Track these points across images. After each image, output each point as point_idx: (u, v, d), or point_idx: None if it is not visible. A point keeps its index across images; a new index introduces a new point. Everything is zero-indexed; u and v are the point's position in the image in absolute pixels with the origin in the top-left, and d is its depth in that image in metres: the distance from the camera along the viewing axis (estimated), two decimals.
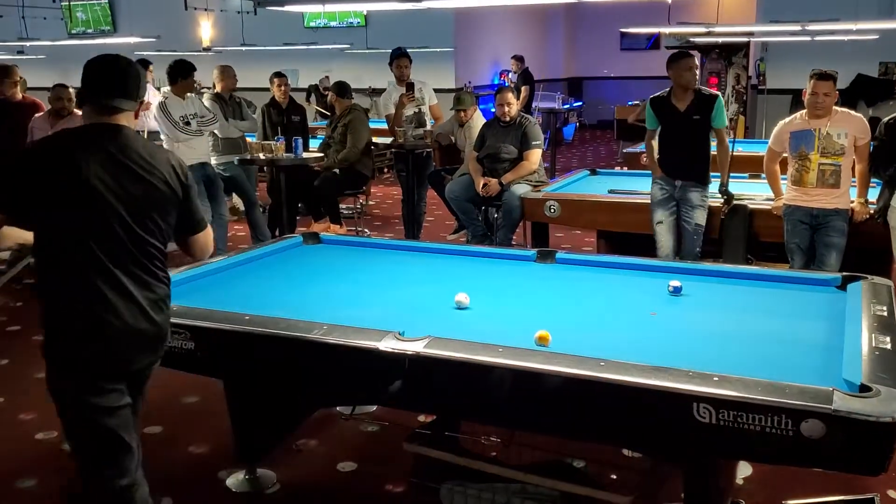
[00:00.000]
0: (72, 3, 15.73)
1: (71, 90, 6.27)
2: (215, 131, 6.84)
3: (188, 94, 6.53)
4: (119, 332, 2.36)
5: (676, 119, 5.18)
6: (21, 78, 6.82)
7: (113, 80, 2.41)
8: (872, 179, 4.85)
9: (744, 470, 3.33)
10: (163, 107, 6.37)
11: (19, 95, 6.64)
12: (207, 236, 2.69)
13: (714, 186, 5.24)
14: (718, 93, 5.37)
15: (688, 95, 5.13)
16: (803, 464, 2.31)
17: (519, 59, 13.64)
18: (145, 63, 9.30)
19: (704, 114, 5.10)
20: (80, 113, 6.30)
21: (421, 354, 2.54)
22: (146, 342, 2.45)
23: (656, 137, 5.37)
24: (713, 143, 5.25)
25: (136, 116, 2.57)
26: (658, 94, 5.35)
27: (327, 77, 12.65)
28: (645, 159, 5.93)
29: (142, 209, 2.39)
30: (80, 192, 2.30)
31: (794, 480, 3.27)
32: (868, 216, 4.77)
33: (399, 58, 7.29)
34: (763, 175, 5.26)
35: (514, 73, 13.63)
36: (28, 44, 10.82)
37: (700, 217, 5.16)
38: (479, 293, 3.30)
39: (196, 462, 3.65)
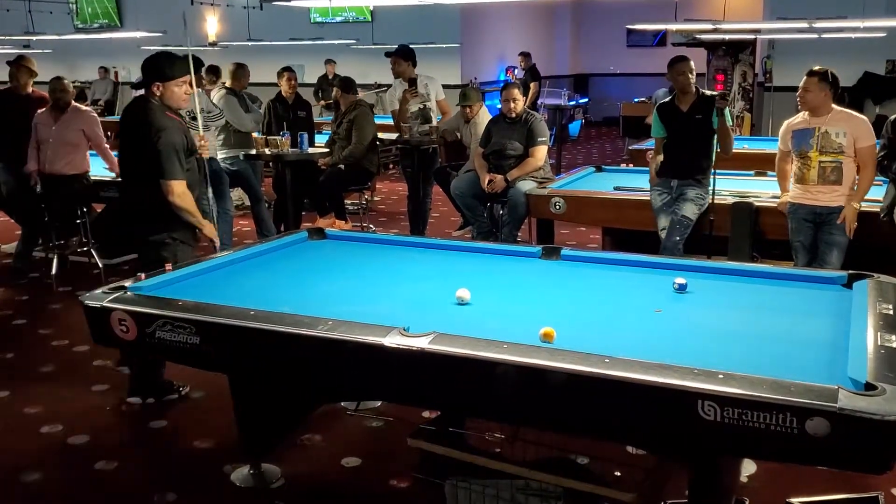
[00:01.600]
0: None
1: (66, 82, 6.27)
2: (233, 125, 6.85)
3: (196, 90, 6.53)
4: None
5: (680, 120, 5.32)
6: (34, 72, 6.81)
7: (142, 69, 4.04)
8: (878, 177, 4.83)
9: (748, 467, 3.34)
10: None
11: (29, 88, 6.64)
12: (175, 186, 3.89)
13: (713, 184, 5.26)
14: (716, 93, 5.49)
15: (689, 97, 5.29)
16: (808, 462, 2.31)
17: (526, 55, 13.61)
18: None
19: (706, 113, 5.21)
20: (81, 106, 6.39)
21: (426, 350, 2.54)
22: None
23: (661, 149, 5.42)
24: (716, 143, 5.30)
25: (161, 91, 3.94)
26: (663, 100, 5.57)
27: (331, 64, 12.64)
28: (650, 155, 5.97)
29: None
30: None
31: (799, 478, 3.26)
32: (856, 222, 4.69)
33: (390, 56, 7.28)
34: (770, 173, 5.28)
35: (522, 69, 13.61)
36: (34, 38, 10.82)
37: (689, 210, 5.18)
38: (483, 289, 3.30)
39: (201, 456, 3.65)
